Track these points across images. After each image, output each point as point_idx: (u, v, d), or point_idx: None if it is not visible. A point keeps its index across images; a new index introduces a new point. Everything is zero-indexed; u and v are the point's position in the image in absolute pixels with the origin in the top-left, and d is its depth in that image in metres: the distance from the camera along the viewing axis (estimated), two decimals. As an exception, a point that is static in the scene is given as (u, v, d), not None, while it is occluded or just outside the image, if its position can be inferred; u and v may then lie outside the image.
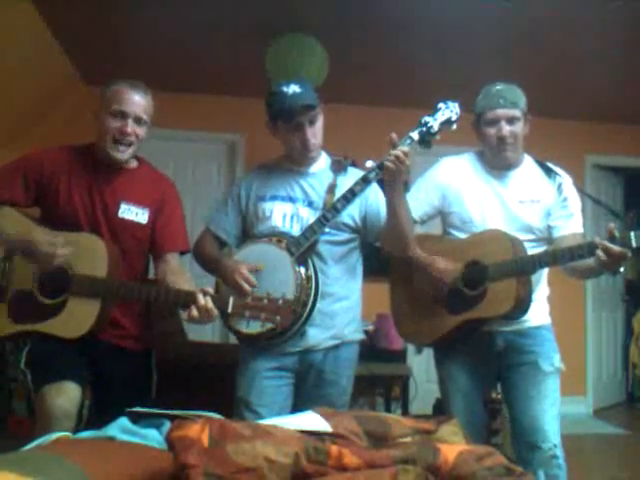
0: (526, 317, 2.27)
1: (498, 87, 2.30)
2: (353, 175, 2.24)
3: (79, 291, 2.04)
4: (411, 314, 2.41)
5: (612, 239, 1.98)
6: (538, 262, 2.16)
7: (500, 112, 2.25)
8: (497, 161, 2.35)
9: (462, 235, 2.36)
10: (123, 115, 2.11)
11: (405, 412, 3.81)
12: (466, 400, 2.33)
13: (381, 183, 2.23)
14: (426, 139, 2.13)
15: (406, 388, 3.91)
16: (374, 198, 2.27)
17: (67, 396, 1.98)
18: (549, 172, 2.35)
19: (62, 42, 4.11)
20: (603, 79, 4.44)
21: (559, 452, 2.22)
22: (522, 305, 2.20)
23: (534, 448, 2.21)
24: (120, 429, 1.48)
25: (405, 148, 2.03)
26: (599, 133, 5.53)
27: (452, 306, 2.28)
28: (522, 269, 2.16)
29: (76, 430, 1.94)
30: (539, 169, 2.37)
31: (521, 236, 2.26)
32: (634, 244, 1.96)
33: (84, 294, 2.04)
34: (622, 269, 2.05)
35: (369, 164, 2.12)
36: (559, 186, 2.32)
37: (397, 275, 2.48)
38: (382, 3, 3.56)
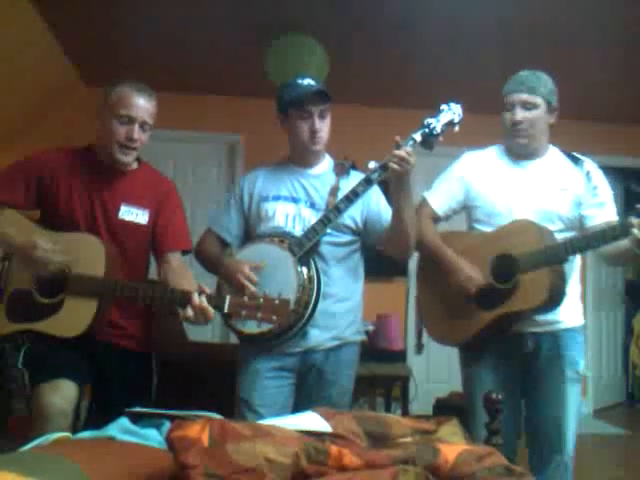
0: (559, 318, 2.21)
1: (522, 73, 2.25)
2: (355, 178, 2.24)
3: (76, 290, 2.04)
4: (442, 315, 2.34)
5: None
6: (570, 247, 2.07)
7: (515, 97, 2.20)
8: (515, 149, 2.28)
9: (488, 229, 2.27)
10: (130, 120, 2.10)
11: (405, 412, 3.81)
12: None
13: (383, 185, 2.23)
14: (429, 140, 2.12)
15: (406, 388, 3.90)
16: (376, 201, 2.27)
17: (62, 394, 1.98)
18: (576, 160, 2.27)
19: (62, 42, 4.11)
20: (603, 79, 4.43)
21: (570, 462, 2.20)
22: (557, 296, 2.12)
23: (549, 454, 2.18)
24: (120, 429, 1.48)
25: (408, 148, 2.03)
26: (599, 133, 5.53)
27: (484, 302, 2.20)
28: (554, 257, 2.08)
29: (76, 430, 1.94)
30: (566, 158, 2.29)
31: (549, 226, 2.18)
32: None
33: (81, 293, 2.04)
34: None
35: (371, 165, 2.12)
36: (587, 174, 2.23)
37: (424, 276, 2.42)
38: (382, 3, 3.56)
